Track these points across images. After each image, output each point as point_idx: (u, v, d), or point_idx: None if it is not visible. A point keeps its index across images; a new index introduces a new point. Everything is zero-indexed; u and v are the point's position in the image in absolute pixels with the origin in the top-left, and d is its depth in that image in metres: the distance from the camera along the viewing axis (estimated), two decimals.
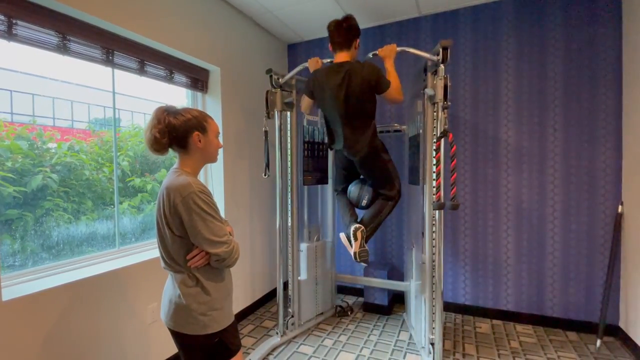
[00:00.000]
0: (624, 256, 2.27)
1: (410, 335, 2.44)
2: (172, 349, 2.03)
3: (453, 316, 2.75)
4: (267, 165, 2.31)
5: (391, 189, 2.07)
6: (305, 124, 2.53)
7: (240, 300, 2.73)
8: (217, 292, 1.16)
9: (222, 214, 2.06)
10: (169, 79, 2.20)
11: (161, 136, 1.10)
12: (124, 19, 1.78)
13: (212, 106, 2.54)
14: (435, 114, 1.90)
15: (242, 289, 2.76)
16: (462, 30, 2.69)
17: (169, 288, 1.17)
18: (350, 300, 3.12)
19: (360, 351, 2.26)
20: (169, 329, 1.17)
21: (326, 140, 2.21)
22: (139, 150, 2.19)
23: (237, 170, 2.70)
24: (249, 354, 2.22)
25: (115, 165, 1.95)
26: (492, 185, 2.64)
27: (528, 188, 2.54)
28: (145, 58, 2.01)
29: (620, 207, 2.27)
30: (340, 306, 2.89)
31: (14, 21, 1.42)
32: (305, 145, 2.52)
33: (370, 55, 2.07)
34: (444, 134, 1.76)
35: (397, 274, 2.94)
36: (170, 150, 1.16)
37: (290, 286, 2.47)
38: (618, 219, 2.27)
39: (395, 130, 2.77)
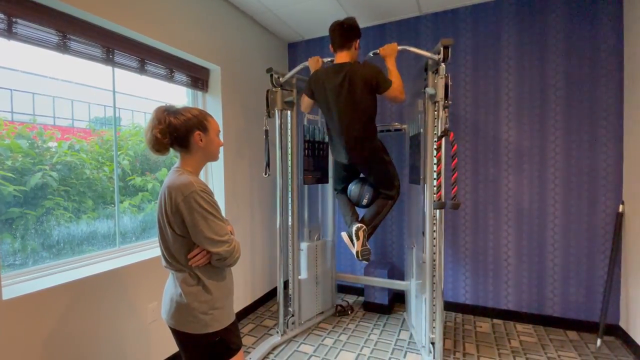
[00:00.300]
0: (625, 255, 2.27)
1: (411, 335, 2.44)
2: (173, 347, 2.03)
3: (453, 315, 2.75)
4: (268, 165, 2.31)
5: (391, 188, 2.10)
6: (305, 123, 2.53)
7: (240, 299, 2.73)
8: (218, 291, 1.16)
9: (223, 213, 2.06)
10: (170, 78, 2.19)
11: (162, 136, 1.10)
12: (124, 18, 1.78)
13: (212, 105, 2.54)
14: (436, 113, 1.89)
15: (242, 288, 2.76)
16: (462, 29, 2.69)
17: (170, 287, 1.17)
18: (351, 299, 3.12)
19: (361, 350, 2.26)
20: (170, 328, 1.17)
21: (327, 140, 2.21)
22: (140, 149, 2.19)
23: (237, 169, 2.70)
24: (249, 352, 2.22)
25: (115, 164, 1.95)
26: (493, 185, 2.64)
27: (529, 187, 2.54)
28: (145, 57, 2.00)
29: (621, 206, 2.27)
30: (341, 305, 2.89)
31: (13, 20, 1.41)
32: (306, 144, 2.52)
33: (371, 54, 2.06)
34: (445, 133, 1.76)
35: (398, 273, 2.94)
36: (171, 149, 1.16)
37: (290, 285, 2.47)
38: (619, 219, 2.27)
39: (396, 130, 2.76)
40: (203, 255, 1.12)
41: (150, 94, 2.28)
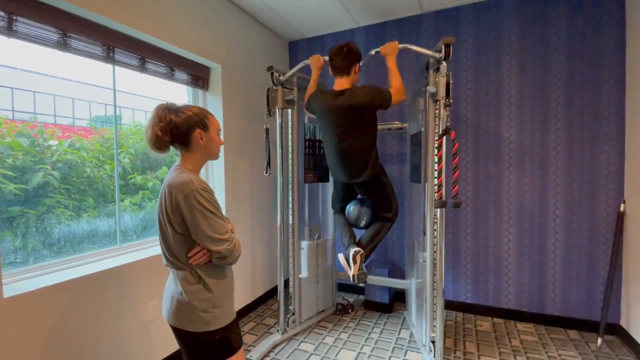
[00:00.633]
0: (626, 254, 2.26)
1: (411, 333, 2.45)
2: (174, 345, 2.04)
3: (454, 314, 2.75)
4: (268, 163, 2.31)
5: (389, 210, 2.09)
6: (306, 121, 2.52)
7: (241, 298, 2.74)
8: (219, 289, 1.16)
9: (223, 211, 2.06)
10: (170, 76, 2.19)
11: (163, 134, 1.09)
12: (124, 16, 1.78)
13: (213, 104, 2.53)
14: (437, 111, 1.89)
15: (243, 287, 2.76)
16: (464, 27, 2.67)
17: (170, 285, 1.17)
18: (351, 298, 3.12)
19: (361, 349, 2.26)
20: (171, 326, 1.17)
21: None
22: (140, 147, 2.19)
23: (238, 167, 2.69)
24: (250, 351, 2.22)
25: (116, 162, 1.95)
26: (494, 184, 2.63)
27: (530, 186, 2.53)
28: (146, 55, 2.00)
29: (622, 205, 2.27)
30: (341, 304, 2.89)
31: (14, 17, 1.41)
32: (307, 142, 2.52)
33: (373, 52, 2.05)
34: (446, 131, 1.75)
35: (398, 272, 2.94)
36: (171, 148, 1.16)
37: (291, 284, 2.47)
38: (620, 218, 2.26)
39: (397, 128, 2.76)
40: (203, 253, 1.11)
41: (151, 93, 2.28)
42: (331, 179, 2.72)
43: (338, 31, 3.14)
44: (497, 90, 2.60)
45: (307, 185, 2.69)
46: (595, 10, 2.32)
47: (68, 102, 1.90)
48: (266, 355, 2.20)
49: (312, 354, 2.20)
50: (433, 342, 1.97)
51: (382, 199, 2.07)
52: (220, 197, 2.52)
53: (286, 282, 2.47)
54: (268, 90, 2.29)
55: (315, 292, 2.66)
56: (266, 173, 2.30)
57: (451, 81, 1.77)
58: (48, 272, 1.61)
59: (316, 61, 2.15)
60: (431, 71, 1.95)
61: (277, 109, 2.36)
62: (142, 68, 1.99)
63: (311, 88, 2.12)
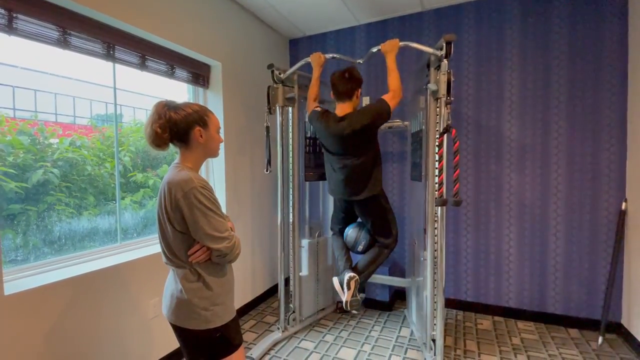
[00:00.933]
0: (627, 253, 2.25)
1: (412, 332, 2.45)
2: (174, 343, 2.04)
3: (454, 312, 2.75)
4: (269, 161, 2.31)
5: (388, 236, 2.05)
6: (307, 119, 2.51)
7: (241, 296, 2.74)
8: (219, 287, 1.16)
9: (224, 209, 2.06)
10: (170, 74, 2.19)
11: (162, 131, 1.09)
12: (124, 13, 1.77)
13: (213, 101, 2.53)
14: (438, 109, 1.88)
15: (243, 285, 2.76)
16: (465, 25, 2.66)
17: (170, 283, 1.17)
18: None
19: (362, 347, 2.26)
20: (171, 324, 1.17)
21: None
22: (141, 145, 2.19)
23: (238, 165, 2.69)
24: (250, 348, 2.22)
25: (116, 160, 1.95)
26: (495, 182, 2.62)
27: (531, 184, 2.53)
28: (146, 53, 2.00)
29: (624, 204, 2.26)
30: (342, 302, 2.89)
31: (14, 15, 1.41)
32: (307, 141, 2.51)
33: (374, 50, 2.04)
34: (447, 129, 1.75)
35: (399, 270, 2.94)
36: (171, 145, 1.15)
37: (291, 282, 2.48)
38: (621, 216, 2.25)
39: (398, 126, 2.75)
40: (203, 251, 1.11)
41: (152, 91, 2.28)
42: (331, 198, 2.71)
43: (339, 29, 3.13)
44: (498, 88, 2.59)
45: (307, 183, 2.69)
46: (597, 8, 2.31)
47: (69, 100, 1.91)
48: (266, 353, 2.20)
49: (312, 352, 2.21)
50: (433, 340, 1.97)
51: (381, 223, 2.03)
52: (220, 195, 2.52)
53: (287, 280, 2.47)
54: (268, 88, 2.28)
55: (315, 290, 2.66)
56: (266, 171, 2.29)
57: (452, 79, 1.76)
58: (49, 269, 1.61)
59: (317, 59, 2.14)
60: (432, 69, 1.94)
61: (277, 107, 2.36)
62: (142, 66, 1.99)
63: (313, 87, 2.11)
